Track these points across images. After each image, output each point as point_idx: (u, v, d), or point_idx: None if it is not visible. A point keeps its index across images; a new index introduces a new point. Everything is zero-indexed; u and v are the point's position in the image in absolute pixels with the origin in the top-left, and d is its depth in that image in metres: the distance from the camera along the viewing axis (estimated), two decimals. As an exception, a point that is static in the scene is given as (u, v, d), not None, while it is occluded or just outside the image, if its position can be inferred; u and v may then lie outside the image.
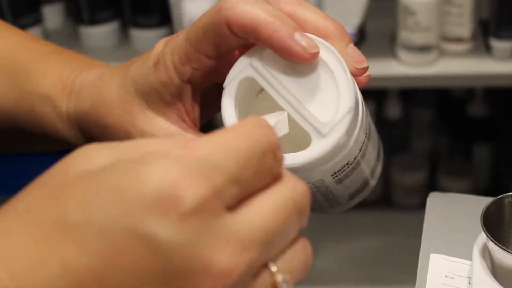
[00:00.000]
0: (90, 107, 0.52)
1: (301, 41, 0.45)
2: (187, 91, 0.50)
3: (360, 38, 1.45)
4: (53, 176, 0.33)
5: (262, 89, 0.50)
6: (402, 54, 1.40)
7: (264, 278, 0.34)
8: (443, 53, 1.42)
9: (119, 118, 0.51)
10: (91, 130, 0.53)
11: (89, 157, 0.33)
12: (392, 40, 1.43)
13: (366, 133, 0.51)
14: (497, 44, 1.40)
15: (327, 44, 0.47)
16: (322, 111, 0.47)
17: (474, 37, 1.43)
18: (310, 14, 0.48)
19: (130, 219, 0.30)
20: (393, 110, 1.80)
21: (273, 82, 0.47)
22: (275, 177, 0.35)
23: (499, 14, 1.39)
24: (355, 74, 0.49)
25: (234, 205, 0.33)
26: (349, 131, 0.47)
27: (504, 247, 0.56)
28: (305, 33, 0.46)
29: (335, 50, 0.47)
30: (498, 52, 1.40)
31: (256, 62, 0.47)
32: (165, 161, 0.31)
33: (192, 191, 0.31)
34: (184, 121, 0.51)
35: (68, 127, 0.54)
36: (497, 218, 0.59)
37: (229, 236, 0.32)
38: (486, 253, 0.59)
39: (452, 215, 0.66)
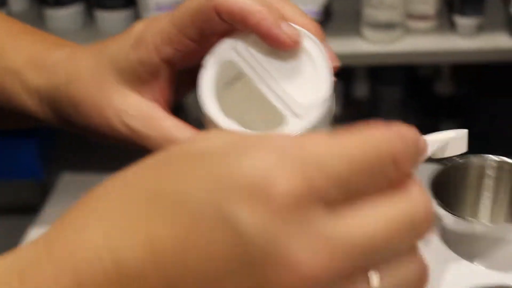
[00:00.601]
0: (64, 84, 0.53)
1: (286, 29, 0.47)
2: (165, 71, 0.51)
3: (326, 17, 1.45)
4: (161, 155, 0.33)
5: (232, 81, 0.51)
6: (367, 31, 1.41)
7: (360, 286, 0.31)
8: (408, 31, 1.43)
9: (93, 95, 0.52)
10: (63, 107, 0.53)
11: (204, 141, 0.33)
12: (357, 18, 1.44)
13: (331, 122, 0.52)
14: (461, 21, 1.41)
15: (310, 34, 0.48)
16: (302, 96, 0.48)
17: (438, 14, 1.44)
18: (289, 9, 0.49)
19: (218, 198, 0.30)
20: (361, 89, 1.81)
21: (255, 66, 0.48)
22: (395, 187, 0.32)
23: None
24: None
25: (337, 206, 0.31)
26: (325, 116, 0.48)
27: (452, 211, 0.58)
28: (290, 23, 0.48)
29: (317, 40, 0.48)
30: (463, 29, 1.41)
31: (240, 46, 0.48)
32: (269, 152, 0.31)
33: (285, 182, 0.29)
34: (157, 100, 0.52)
35: (37, 103, 0.55)
36: (445, 184, 0.60)
37: (325, 236, 0.30)
38: (436, 217, 0.60)
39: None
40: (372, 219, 0.31)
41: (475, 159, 0.61)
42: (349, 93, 1.81)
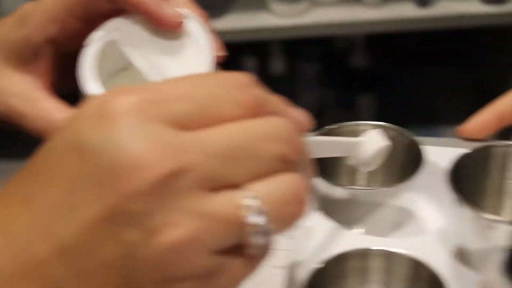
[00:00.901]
0: None
1: (168, 9, 0.47)
2: (49, 51, 0.50)
3: (231, -10, 1.43)
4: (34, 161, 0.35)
5: (121, 71, 0.50)
6: (274, 5, 1.39)
7: (226, 195, 0.32)
8: (315, 3, 1.41)
9: None
10: None
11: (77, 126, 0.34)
12: (264, -9, 1.42)
13: None
14: (367, -9, 1.40)
15: (194, 16, 0.49)
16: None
17: (344, -15, 1.43)
18: None
19: (70, 131, 0.33)
20: (277, 65, 1.79)
21: (137, 46, 0.48)
22: (251, 113, 0.34)
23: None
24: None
25: (188, 126, 0.33)
26: None
27: (324, 177, 0.56)
28: (173, 4, 0.48)
29: (201, 22, 0.49)
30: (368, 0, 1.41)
31: (124, 26, 0.48)
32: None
33: (122, 98, 0.32)
34: (40, 81, 0.51)
35: None
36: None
37: (166, 142, 0.32)
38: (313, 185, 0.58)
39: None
40: (229, 128, 0.33)
41: (347, 125, 0.59)
42: (264, 69, 1.79)
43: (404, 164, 0.59)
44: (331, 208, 0.57)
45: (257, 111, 0.34)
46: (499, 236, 0.48)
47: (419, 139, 0.59)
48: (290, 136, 0.35)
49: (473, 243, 0.50)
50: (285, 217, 0.34)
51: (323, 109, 1.86)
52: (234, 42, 1.53)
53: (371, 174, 0.61)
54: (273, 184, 0.33)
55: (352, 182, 0.61)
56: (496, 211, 0.54)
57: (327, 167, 0.59)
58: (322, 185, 0.56)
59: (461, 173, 0.52)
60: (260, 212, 0.32)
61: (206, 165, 0.32)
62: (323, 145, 0.48)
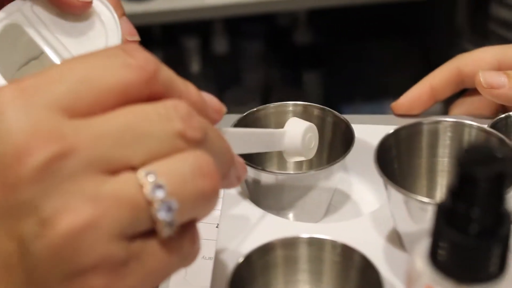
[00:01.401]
0: None
1: None
2: None
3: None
4: None
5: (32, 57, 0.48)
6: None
7: (123, 177, 0.31)
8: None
9: None
10: None
11: None
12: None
13: None
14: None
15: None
16: None
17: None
18: None
19: None
20: (220, 45, 1.76)
21: (40, 29, 0.45)
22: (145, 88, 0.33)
23: None
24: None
25: (77, 110, 0.32)
26: None
27: (250, 164, 0.53)
28: None
29: (109, 5, 0.47)
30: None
31: (26, 8, 0.46)
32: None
33: (8, 88, 0.31)
34: None
35: None
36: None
37: (50, 126, 0.30)
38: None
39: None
40: (121, 111, 0.32)
41: (271, 106, 0.56)
42: (207, 49, 1.76)
43: (334, 145, 0.56)
44: (260, 195, 0.55)
45: (149, 73, 0.33)
46: (430, 217, 0.45)
47: (347, 117, 0.56)
48: (188, 114, 0.33)
49: (406, 226, 0.48)
50: (191, 192, 0.32)
51: (269, 87, 1.83)
52: (173, 23, 1.49)
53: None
54: (173, 161, 0.32)
55: (281, 165, 0.58)
56: (428, 190, 0.51)
57: (253, 153, 0.57)
58: (248, 170, 0.54)
59: (389, 152, 0.49)
60: (157, 185, 0.31)
61: (95, 147, 0.31)
62: (250, 137, 0.46)
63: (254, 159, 0.56)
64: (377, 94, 1.76)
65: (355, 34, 1.84)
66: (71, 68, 0.33)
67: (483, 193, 0.32)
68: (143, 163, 0.32)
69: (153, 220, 0.32)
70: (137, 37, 0.49)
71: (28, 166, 0.30)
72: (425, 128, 0.50)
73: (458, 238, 0.33)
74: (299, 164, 0.58)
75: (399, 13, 1.74)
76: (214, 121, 0.38)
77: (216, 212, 0.56)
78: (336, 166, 0.53)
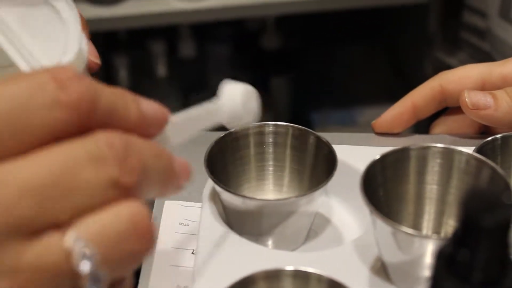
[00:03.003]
0: None
1: None
2: None
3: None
4: None
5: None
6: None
7: (47, 240, 0.28)
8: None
9: None
10: None
11: None
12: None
13: None
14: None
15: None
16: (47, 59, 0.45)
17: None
18: None
19: None
20: (187, 48, 1.74)
21: (3, 29, 0.44)
22: (76, 114, 0.29)
23: None
24: (90, 64, 0.47)
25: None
26: None
27: (227, 188, 0.50)
28: None
29: (72, 3, 0.45)
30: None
31: None
32: None
33: None
34: None
35: None
36: (222, 157, 0.53)
37: None
38: (217, 195, 0.53)
39: (192, 154, 0.59)
40: (43, 157, 0.28)
41: (251, 127, 0.54)
42: (174, 53, 1.73)
43: (315, 168, 0.54)
44: (238, 221, 0.52)
45: (84, 110, 0.29)
46: (418, 250, 0.43)
47: (328, 135, 0.54)
48: (124, 150, 0.30)
49: (392, 257, 0.46)
50: (123, 256, 0.29)
51: (237, 92, 1.81)
52: (140, 27, 1.46)
53: (279, 179, 0.56)
54: (104, 218, 0.29)
55: (260, 188, 0.56)
56: (415, 218, 0.49)
57: (230, 176, 0.54)
58: (225, 195, 0.51)
59: (375, 179, 0.47)
60: (84, 255, 0.28)
61: (14, 208, 0.27)
62: (188, 121, 0.42)
63: (231, 181, 0.53)
64: (346, 101, 1.75)
65: (324, 40, 1.83)
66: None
67: (487, 241, 0.30)
68: (71, 220, 0.28)
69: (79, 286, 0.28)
70: (98, 61, 0.47)
71: None
72: (413, 154, 0.48)
73: (460, 287, 0.31)
74: (279, 188, 0.56)
75: (369, 18, 1.73)
76: (156, 133, 0.35)
77: (191, 237, 0.54)
78: (318, 191, 0.51)
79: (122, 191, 0.29)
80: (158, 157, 0.32)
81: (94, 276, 0.28)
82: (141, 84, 1.75)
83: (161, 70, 1.71)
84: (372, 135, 0.62)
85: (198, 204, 0.55)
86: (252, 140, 0.54)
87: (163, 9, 1.35)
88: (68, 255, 0.28)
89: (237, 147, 0.54)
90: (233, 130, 0.53)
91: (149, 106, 0.33)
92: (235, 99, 0.46)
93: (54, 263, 0.28)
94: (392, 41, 1.81)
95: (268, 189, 0.56)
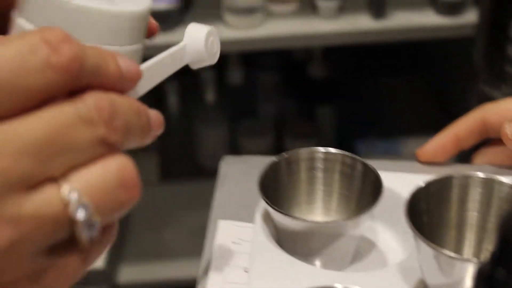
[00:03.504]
0: None
1: None
2: None
3: (186, 3, 1.41)
4: None
5: None
6: (229, 17, 1.37)
7: (44, 192, 0.31)
8: (270, 15, 1.40)
9: None
10: None
11: None
12: (219, 4, 1.40)
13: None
14: (322, 3, 1.39)
15: None
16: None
17: (300, -3, 1.41)
18: None
19: None
20: (236, 76, 1.78)
21: None
22: (66, 76, 0.32)
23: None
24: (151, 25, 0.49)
25: None
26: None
27: (279, 209, 0.54)
28: None
29: None
30: (324, 11, 1.39)
31: None
32: None
33: None
34: None
35: None
36: (275, 180, 0.57)
37: None
38: (269, 216, 0.57)
39: (245, 178, 0.63)
40: (37, 119, 0.31)
41: (303, 152, 0.57)
42: (223, 80, 1.78)
43: (362, 193, 0.57)
44: (288, 241, 0.55)
45: (74, 71, 0.32)
46: (459, 273, 0.46)
47: (374, 163, 0.57)
48: (108, 113, 0.33)
49: (435, 280, 0.49)
50: (112, 205, 0.33)
51: (283, 119, 1.84)
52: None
53: (328, 203, 0.59)
54: (95, 172, 0.32)
55: (310, 212, 0.59)
56: (457, 244, 0.52)
57: (282, 198, 0.57)
58: (277, 216, 0.55)
59: (419, 205, 0.50)
60: (80, 205, 0.31)
61: (14, 164, 0.30)
62: (153, 70, 0.43)
63: (282, 203, 0.57)
64: (391, 131, 1.77)
65: (369, 70, 1.86)
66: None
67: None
68: (65, 174, 0.32)
69: (74, 234, 0.32)
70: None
71: None
72: (455, 183, 0.51)
73: (498, 303, 0.33)
74: (327, 211, 0.59)
75: (414, 50, 1.75)
76: (131, 88, 0.37)
77: (243, 256, 0.57)
78: (364, 216, 0.54)
79: (109, 147, 0.33)
80: (138, 115, 0.35)
81: (88, 223, 0.31)
82: (190, 109, 1.79)
83: (210, 96, 1.75)
84: (416, 163, 0.64)
85: (251, 224, 0.58)
86: (303, 165, 0.57)
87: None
88: (64, 204, 0.31)
89: (289, 171, 0.57)
90: (285, 154, 0.57)
91: (124, 62, 0.36)
92: (198, 39, 0.47)
93: (52, 212, 0.31)
94: (437, 73, 1.83)
95: (317, 212, 0.59)
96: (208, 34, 0.48)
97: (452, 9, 1.39)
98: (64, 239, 0.32)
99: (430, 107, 1.80)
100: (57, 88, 0.32)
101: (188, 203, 1.73)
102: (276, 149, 1.78)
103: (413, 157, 0.65)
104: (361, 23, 1.39)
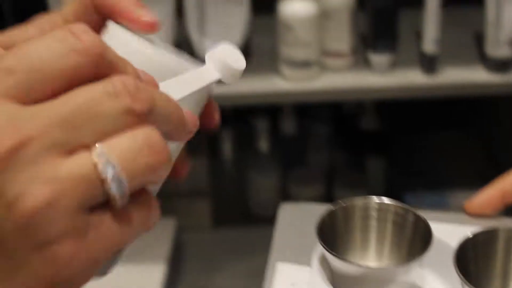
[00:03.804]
0: None
1: (146, 12, 0.45)
2: None
3: (244, 56, 1.46)
4: None
5: None
6: (285, 69, 1.43)
7: (77, 157, 0.35)
8: (324, 68, 1.45)
9: None
10: None
11: None
12: (276, 56, 1.46)
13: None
14: (375, 58, 1.44)
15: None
16: None
17: (353, 52, 1.46)
18: None
19: None
20: (288, 126, 1.82)
21: None
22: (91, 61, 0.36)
23: (375, 28, 1.43)
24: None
25: (31, 96, 0.35)
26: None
27: (336, 254, 0.58)
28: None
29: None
30: (377, 66, 1.44)
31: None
32: None
33: None
34: None
35: None
36: (331, 227, 0.61)
37: (6, 117, 0.34)
38: (325, 260, 0.61)
39: (302, 224, 0.68)
40: (69, 95, 0.35)
41: (358, 201, 0.62)
42: (276, 130, 1.82)
43: (413, 242, 0.61)
44: (343, 284, 0.59)
45: (96, 55, 0.37)
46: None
47: (425, 213, 0.61)
48: (135, 87, 0.36)
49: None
50: (140, 166, 0.36)
51: (333, 170, 1.88)
52: (246, 105, 1.56)
53: (381, 249, 0.63)
54: (123, 138, 0.36)
55: (363, 257, 0.63)
56: (502, 291, 0.56)
57: (338, 243, 0.62)
58: (333, 260, 0.59)
59: (466, 255, 0.54)
60: (107, 164, 0.35)
61: (50, 132, 0.34)
62: (176, 86, 0.44)
63: (338, 248, 0.61)
64: (439, 184, 1.79)
65: (420, 124, 1.89)
66: (20, 57, 0.36)
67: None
68: (96, 142, 0.35)
69: (107, 194, 0.35)
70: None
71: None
72: (501, 235, 0.55)
73: None
74: (379, 257, 0.63)
75: (464, 106, 1.78)
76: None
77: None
78: (415, 263, 0.58)
79: (136, 118, 0.36)
80: (166, 99, 0.39)
81: (117, 179, 0.35)
82: (244, 157, 1.84)
83: (263, 145, 1.80)
84: (464, 215, 0.68)
85: (308, 268, 0.62)
86: (358, 213, 0.62)
87: (269, 89, 1.44)
88: (95, 165, 0.35)
89: (345, 219, 0.62)
90: (342, 203, 0.61)
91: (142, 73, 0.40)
92: (225, 63, 0.46)
93: (84, 172, 0.35)
94: (486, 127, 1.86)
95: (370, 257, 0.64)
96: (228, 53, 0.47)
97: (501, 67, 1.42)
98: (100, 202, 0.36)
99: (479, 161, 1.83)
100: (83, 70, 0.37)
101: (239, 249, 1.77)
102: (326, 198, 1.82)
103: (461, 210, 0.69)
104: (412, 78, 1.43)
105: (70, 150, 0.35)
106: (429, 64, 1.43)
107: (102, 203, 0.36)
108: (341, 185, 1.84)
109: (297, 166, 1.86)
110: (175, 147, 0.45)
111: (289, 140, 1.84)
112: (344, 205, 0.61)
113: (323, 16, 1.41)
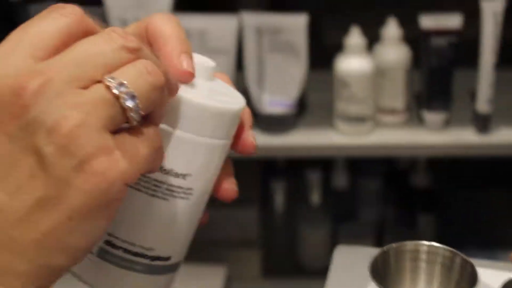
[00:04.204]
0: None
1: (186, 61, 0.48)
2: None
3: (300, 109, 1.51)
4: None
5: None
6: (340, 124, 1.47)
7: (93, 87, 0.42)
8: (378, 124, 1.48)
9: None
10: None
11: None
12: (331, 111, 1.50)
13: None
14: (429, 116, 1.47)
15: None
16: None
17: (408, 109, 1.50)
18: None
19: None
20: (340, 180, 1.85)
21: None
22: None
23: (430, 87, 1.46)
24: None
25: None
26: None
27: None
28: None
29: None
30: (430, 124, 1.47)
31: None
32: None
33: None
34: None
35: None
36: (383, 267, 0.64)
37: (31, 68, 0.41)
38: None
39: (357, 267, 0.71)
40: (77, 44, 0.43)
41: (409, 244, 0.65)
42: (328, 183, 1.85)
43: (460, 284, 0.64)
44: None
45: (84, 22, 0.44)
46: None
47: (472, 260, 0.64)
48: (124, 33, 0.44)
49: None
50: (144, 83, 0.43)
51: (384, 225, 1.89)
52: (300, 157, 1.60)
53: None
54: (125, 68, 0.43)
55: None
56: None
57: (389, 283, 0.65)
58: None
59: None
60: (119, 84, 0.42)
61: (66, 72, 0.41)
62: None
63: (389, 287, 0.64)
64: (490, 244, 1.79)
65: (471, 182, 1.89)
66: (28, 31, 0.43)
67: None
68: (104, 75, 0.42)
69: (124, 110, 0.42)
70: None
71: (26, 96, 0.40)
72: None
73: None
74: (427, 298, 0.66)
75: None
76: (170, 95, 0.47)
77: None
78: (462, 303, 0.61)
79: (131, 54, 0.43)
80: (150, 52, 0.46)
81: (129, 94, 0.42)
82: (295, 209, 1.87)
83: (315, 198, 1.82)
84: (510, 264, 0.71)
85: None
86: (408, 256, 0.65)
87: (324, 142, 1.48)
88: (109, 88, 0.42)
89: (396, 260, 0.65)
90: (393, 245, 0.65)
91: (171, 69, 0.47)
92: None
93: (102, 95, 0.42)
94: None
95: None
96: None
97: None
98: (120, 123, 0.42)
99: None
100: (74, 26, 0.44)
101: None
102: (376, 253, 1.82)
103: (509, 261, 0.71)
104: (465, 137, 1.46)
105: (85, 84, 0.42)
106: (482, 123, 1.45)
107: (122, 129, 0.43)
108: (391, 241, 1.82)
109: (348, 220, 1.87)
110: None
111: (341, 194, 1.86)
112: (395, 247, 0.65)
113: (379, 74, 1.45)
